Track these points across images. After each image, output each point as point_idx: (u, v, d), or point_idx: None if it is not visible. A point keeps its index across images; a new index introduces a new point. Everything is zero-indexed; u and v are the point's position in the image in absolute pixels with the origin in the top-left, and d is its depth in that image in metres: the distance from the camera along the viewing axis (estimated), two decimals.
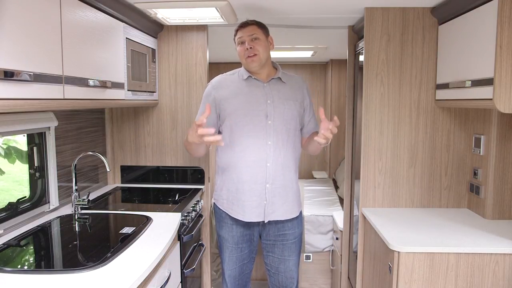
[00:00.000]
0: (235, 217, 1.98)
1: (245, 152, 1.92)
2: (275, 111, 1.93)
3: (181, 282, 2.05)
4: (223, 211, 2.03)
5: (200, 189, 2.70)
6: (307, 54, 4.09)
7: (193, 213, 2.35)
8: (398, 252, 1.76)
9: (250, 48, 1.91)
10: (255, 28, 1.95)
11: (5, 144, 2.16)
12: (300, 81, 2.08)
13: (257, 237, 2.07)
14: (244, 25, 1.96)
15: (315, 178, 4.85)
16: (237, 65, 2.07)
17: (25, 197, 1.99)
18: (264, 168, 1.92)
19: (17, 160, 2.17)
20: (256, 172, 1.92)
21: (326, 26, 2.71)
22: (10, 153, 2.17)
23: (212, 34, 2.82)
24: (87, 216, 2.07)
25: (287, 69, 2.09)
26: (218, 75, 2.07)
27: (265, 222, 1.98)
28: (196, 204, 2.47)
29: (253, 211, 1.94)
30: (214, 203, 2.12)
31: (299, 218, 2.07)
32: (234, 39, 2.00)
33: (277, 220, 1.99)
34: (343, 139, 4.66)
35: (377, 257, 2.07)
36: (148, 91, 2.50)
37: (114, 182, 2.83)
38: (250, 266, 2.11)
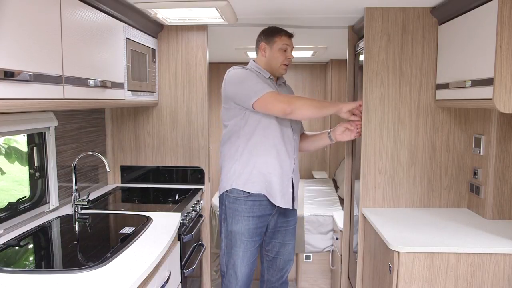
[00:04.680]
0: (271, 199, 2.00)
1: (279, 144, 2.01)
2: None
3: (181, 282, 2.05)
4: (253, 194, 1.97)
5: (200, 189, 2.70)
6: (307, 54, 4.08)
7: (193, 213, 2.35)
8: (398, 252, 1.76)
9: (289, 59, 2.09)
10: None
11: (6, 144, 2.16)
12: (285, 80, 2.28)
13: (265, 230, 2.13)
14: (290, 35, 2.12)
15: (315, 178, 4.85)
16: (236, 65, 2.06)
17: (25, 197, 1.99)
18: (293, 160, 2.08)
19: (16, 161, 2.17)
20: (286, 164, 2.04)
21: (326, 26, 2.71)
22: (11, 153, 2.17)
23: (212, 34, 2.82)
24: (87, 216, 2.07)
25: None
26: (240, 66, 2.04)
27: (295, 208, 2.12)
28: (196, 204, 2.47)
29: (284, 197, 2.04)
30: (226, 193, 2.00)
31: None
32: (270, 39, 2.07)
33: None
34: None
35: (377, 257, 2.07)
36: (148, 91, 2.50)
37: (114, 182, 2.84)
38: (256, 262, 2.14)
